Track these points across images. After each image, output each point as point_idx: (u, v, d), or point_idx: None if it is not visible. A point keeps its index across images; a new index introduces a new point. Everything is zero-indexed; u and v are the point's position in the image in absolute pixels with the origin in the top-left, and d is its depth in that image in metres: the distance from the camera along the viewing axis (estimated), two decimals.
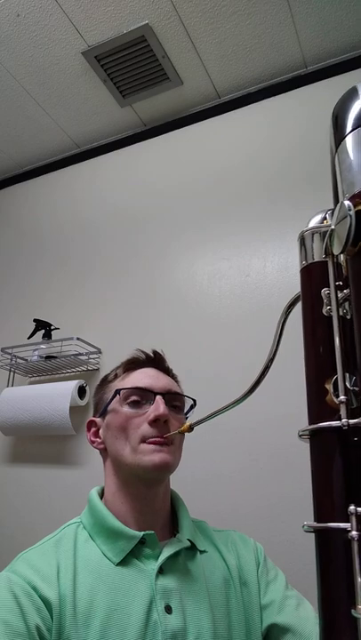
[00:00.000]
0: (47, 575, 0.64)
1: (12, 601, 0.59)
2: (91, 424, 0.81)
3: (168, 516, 0.77)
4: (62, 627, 0.60)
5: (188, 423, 0.69)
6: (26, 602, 0.60)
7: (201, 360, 1.51)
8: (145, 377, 0.77)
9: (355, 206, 0.33)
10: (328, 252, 0.36)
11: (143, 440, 0.71)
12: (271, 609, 0.70)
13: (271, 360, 0.49)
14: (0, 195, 2.36)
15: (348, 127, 0.35)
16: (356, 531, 0.31)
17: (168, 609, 0.64)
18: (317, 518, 0.34)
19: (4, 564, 0.70)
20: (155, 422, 0.71)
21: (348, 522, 0.32)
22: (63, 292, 1.94)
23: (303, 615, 0.68)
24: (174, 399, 0.77)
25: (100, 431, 0.79)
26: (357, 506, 0.32)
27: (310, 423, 0.36)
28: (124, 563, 0.67)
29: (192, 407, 0.80)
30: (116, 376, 0.81)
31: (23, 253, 2.14)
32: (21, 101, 1.94)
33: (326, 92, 1.68)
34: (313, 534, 0.34)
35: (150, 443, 0.70)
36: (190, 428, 0.69)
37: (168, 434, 0.71)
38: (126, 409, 0.74)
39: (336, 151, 0.34)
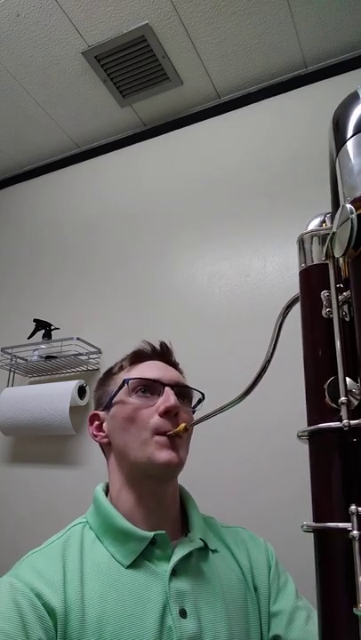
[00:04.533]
0: (52, 581, 0.60)
1: (14, 611, 0.56)
2: (93, 417, 0.78)
3: (178, 513, 0.74)
4: (68, 636, 0.57)
5: (183, 424, 0.68)
6: (29, 612, 0.56)
7: (201, 360, 1.51)
8: (153, 369, 0.75)
9: (356, 210, 0.33)
10: (329, 254, 0.37)
11: (156, 432, 0.68)
12: (280, 619, 0.67)
13: (268, 361, 0.49)
14: (0, 195, 2.37)
15: (350, 132, 0.35)
16: (358, 530, 0.31)
17: (183, 613, 0.61)
18: (316, 518, 0.34)
19: (4, 564, 0.69)
20: (165, 414, 0.68)
21: (347, 522, 0.32)
22: (63, 292, 1.94)
23: (312, 630, 0.65)
24: (183, 392, 0.75)
25: (104, 424, 0.75)
26: (358, 506, 0.32)
27: (309, 424, 0.36)
28: (134, 565, 0.64)
29: (200, 401, 0.78)
30: (121, 368, 0.78)
31: (23, 253, 2.14)
32: (21, 101, 1.94)
33: (326, 92, 1.68)
34: (312, 535, 0.34)
35: (163, 434, 0.68)
36: (185, 429, 0.68)
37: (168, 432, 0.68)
38: (134, 399, 0.71)
39: (337, 155, 0.35)
